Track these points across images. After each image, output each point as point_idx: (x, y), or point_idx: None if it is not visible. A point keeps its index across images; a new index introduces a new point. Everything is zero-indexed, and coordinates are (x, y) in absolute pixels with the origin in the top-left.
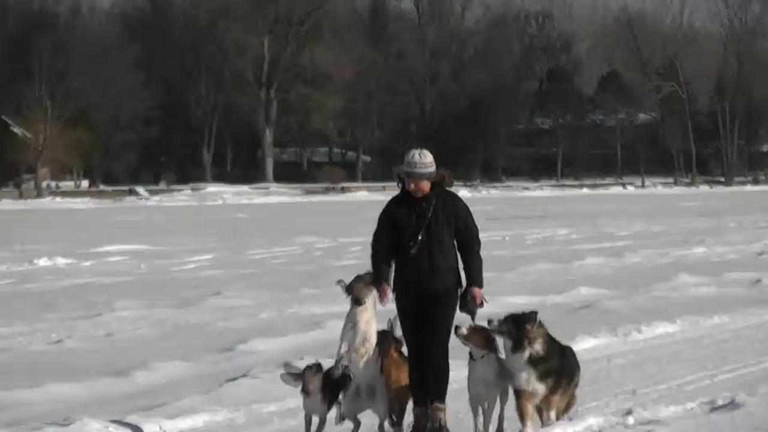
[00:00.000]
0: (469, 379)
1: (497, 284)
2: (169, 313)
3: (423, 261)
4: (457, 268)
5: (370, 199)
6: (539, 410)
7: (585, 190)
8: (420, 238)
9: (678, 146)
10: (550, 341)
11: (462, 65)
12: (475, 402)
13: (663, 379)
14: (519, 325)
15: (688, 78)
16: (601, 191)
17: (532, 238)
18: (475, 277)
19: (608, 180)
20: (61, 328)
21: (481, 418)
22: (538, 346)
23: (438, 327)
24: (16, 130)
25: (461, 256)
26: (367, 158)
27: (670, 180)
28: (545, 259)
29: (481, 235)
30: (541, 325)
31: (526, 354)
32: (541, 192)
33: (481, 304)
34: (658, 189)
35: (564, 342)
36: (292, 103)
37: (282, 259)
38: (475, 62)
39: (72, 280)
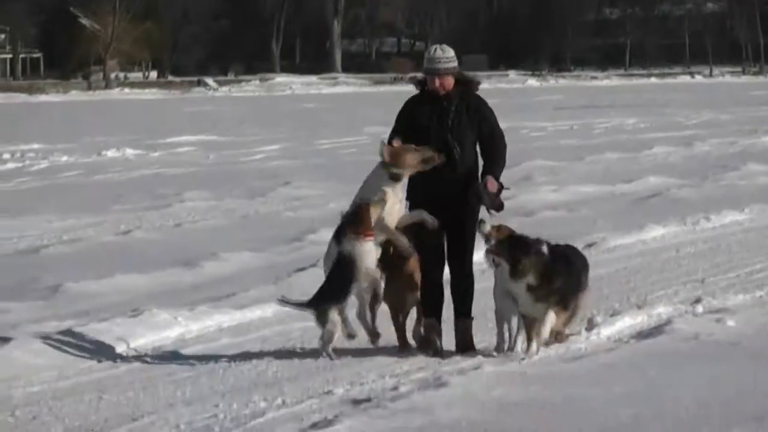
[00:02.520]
0: (495, 288)
1: (566, 174)
2: (238, 203)
3: (446, 165)
4: (477, 171)
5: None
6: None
7: (653, 80)
8: (450, 138)
9: (746, 36)
10: (552, 263)
11: None
12: (500, 316)
13: (731, 267)
14: (516, 254)
15: None
16: (668, 80)
17: (601, 128)
18: (492, 169)
19: (676, 69)
20: (129, 219)
21: (506, 334)
22: (532, 278)
23: (459, 234)
24: (85, 21)
25: (484, 159)
26: None
27: (738, 69)
28: (614, 148)
29: (549, 125)
30: (541, 253)
31: (524, 281)
32: (609, 81)
33: (498, 198)
34: (726, 78)
35: (631, 232)
36: None
37: (350, 149)
38: None
39: (140, 171)
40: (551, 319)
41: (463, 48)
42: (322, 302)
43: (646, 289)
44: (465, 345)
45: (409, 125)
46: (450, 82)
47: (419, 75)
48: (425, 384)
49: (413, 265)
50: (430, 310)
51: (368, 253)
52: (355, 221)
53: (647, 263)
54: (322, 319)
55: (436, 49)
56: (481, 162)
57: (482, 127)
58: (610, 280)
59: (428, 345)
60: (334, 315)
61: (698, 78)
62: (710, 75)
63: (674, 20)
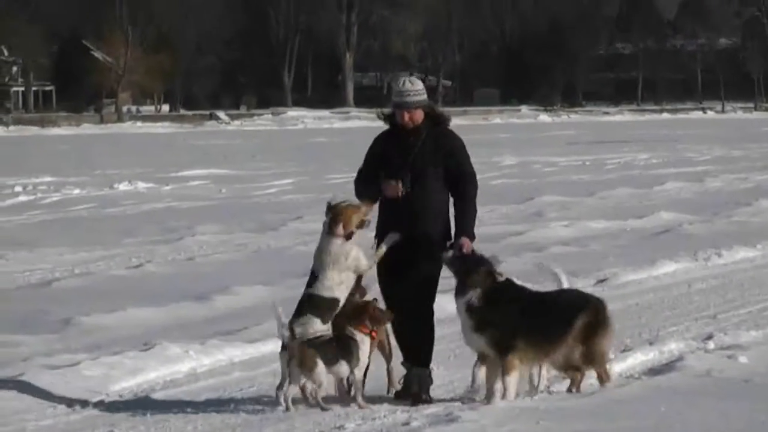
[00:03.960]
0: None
1: (577, 209)
2: (250, 237)
3: (404, 203)
4: (447, 216)
5: (451, 124)
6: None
7: (665, 115)
8: (405, 178)
9: (759, 71)
10: (496, 292)
11: None
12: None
13: (743, 303)
14: (467, 267)
15: None
16: (681, 116)
17: (613, 163)
18: (465, 226)
19: (688, 105)
20: (141, 252)
21: (482, 371)
22: (474, 295)
23: (417, 280)
24: (97, 54)
25: (453, 203)
26: (448, 83)
27: (750, 105)
28: (625, 183)
29: (561, 160)
30: (487, 275)
31: (465, 299)
32: (621, 117)
33: (447, 252)
34: (738, 114)
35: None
36: (373, 26)
37: None
38: None
39: (152, 205)
40: (512, 366)
41: (476, 82)
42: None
43: (658, 325)
44: (417, 398)
45: (377, 162)
46: (419, 115)
47: (386, 110)
48: (437, 419)
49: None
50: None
51: (366, 344)
52: (357, 316)
53: (659, 299)
54: (307, 364)
55: (405, 82)
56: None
57: (448, 163)
58: (622, 316)
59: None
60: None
61: (710, 113)
62: (722, 110)
63: (686, 55)
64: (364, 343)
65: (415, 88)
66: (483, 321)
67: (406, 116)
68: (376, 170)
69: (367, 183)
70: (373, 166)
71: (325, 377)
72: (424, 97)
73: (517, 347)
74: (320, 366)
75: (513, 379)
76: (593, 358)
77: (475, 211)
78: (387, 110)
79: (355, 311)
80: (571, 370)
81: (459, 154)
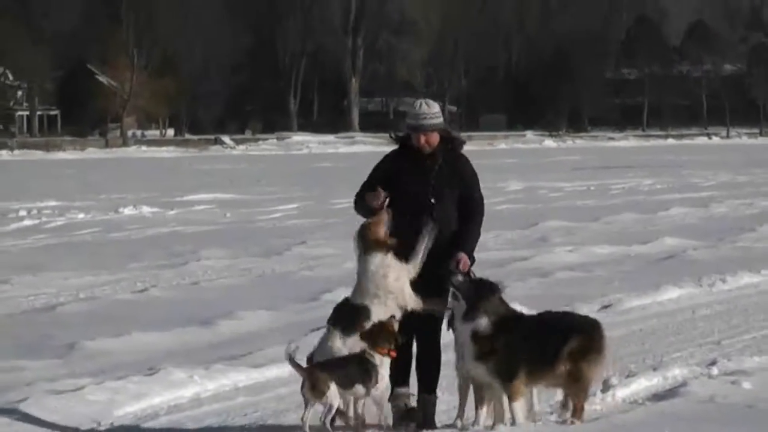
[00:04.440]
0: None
1: (582, 234)
2: (255, 262)
3: (427, 222)
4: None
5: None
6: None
7: (670, 141)
8: (430, 199)
9: (764, 97)
10: (506, 319)
11: (549, 12)
12: (462, 383)
13: (748, 329)
14: (478, 292)
15: None
16: (686, 141)
17: (617, 188)
18: (465, 245)
19: (694, 130)
20: (146, 276)
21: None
22: (484, 321)
23: (432, 301)
24: (102, 78)
25: (459, 225)
26: (453, 108)
27: (756, 131)
28: (630, 209)
29: (567, 185)
30: (498, 302)
31: (472, 325)
32: (626, 142)
33: (456, 275)
34: (743, 140)
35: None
36: (379, 52)
37: None
38: (562, 10)
39: (157, 229)
40: (518, 392)
41: (482, 108)
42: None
43: (662, 351)
44: (426, 423)
45: (385, 181)
46: (436, 138)
47: (399, 132)
48: None
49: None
50: (399, 378)
51: (386, 365)
52: (374, 336)
53: (663, 325)
54: (319, 388)
55: (422, 104)
56: None
57: (462, 188)
58: (626, 342)
59: (406, 417)
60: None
61: (715, 139)
62: (727, 136)
63: (692, 81)
64: (383, 365)
65: (432, 110)
66: (488, 349)
67: (423, 139)
68: (382, 183)
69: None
70: (380, 179)
71: (337, 401)
72: (441, 120)
73: (521, 373)
74: (332, 390)
75: (520, 404)
76: (574, 385)
77: (479, 235)
78: (401, 133)
79: (372, 331)
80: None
81: (472, 179)
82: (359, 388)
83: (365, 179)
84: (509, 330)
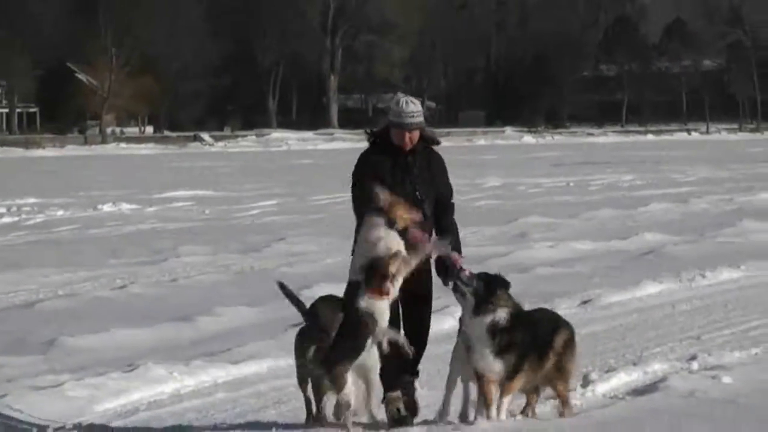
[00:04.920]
0: (455, 346)
1: (561, 230)
2: (234, 258)
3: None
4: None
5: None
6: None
7: (650, 137)
8: (418, 195)
9: (743, 93)
10: (519, 314)
11: (528, 12)
12: (451, 376)
13: (727, 324)
14: (490, 286)
15: (754, 25)
16: (665, 137)
17: (597, 184)
18: (455, 240)
19: (673, 126)
20: (125, 273)
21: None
22: (503, 314)
23: (419, 296)
24: (82, 76)
25: (438, 219)
26: (432, 104)
27: (735, 126)
28: (610, 204)
29: (546, 181)
30: (510, 297)
31: (489, 319)
32: (605, 138)
33: (463, 271)
34: (722, 135)
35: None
36: (357, 51)
37: (346, 205)
38: (540, 9)
39: (136, 226)
40: (513, 389)
41: (461, 104)
42: (338, 361)
43: (642, 346)
44: (407, 405)
45: (375, 179)
46: (416, 136)
47: (372, 129)
48: None
49: None
50: (390, 382)
51: (385, 312)
52: (372, 280)
53: (643, 320)
54: (337, 382)
55: (408, 103)
56: None
57: (439, 185)
58: (606, 337)
59: (400, 421)
60: (349, 377)
61: (695, 135)
62: (707, 132)
63: (671, 77)
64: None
65: (416, 109)
66: (506, 344)
67: (407, 137)
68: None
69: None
70: (374, 179)
71: (353, 396)
72: (423, 118)
73: (524, 369)
74: (350, 384)
75: (509, 400)
76: (564, 375)
77: (457, 228)
78: (377, 129)
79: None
80: (531, 392)
81: (446, 174)
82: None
83: (357, 189)
84: (523, 324)
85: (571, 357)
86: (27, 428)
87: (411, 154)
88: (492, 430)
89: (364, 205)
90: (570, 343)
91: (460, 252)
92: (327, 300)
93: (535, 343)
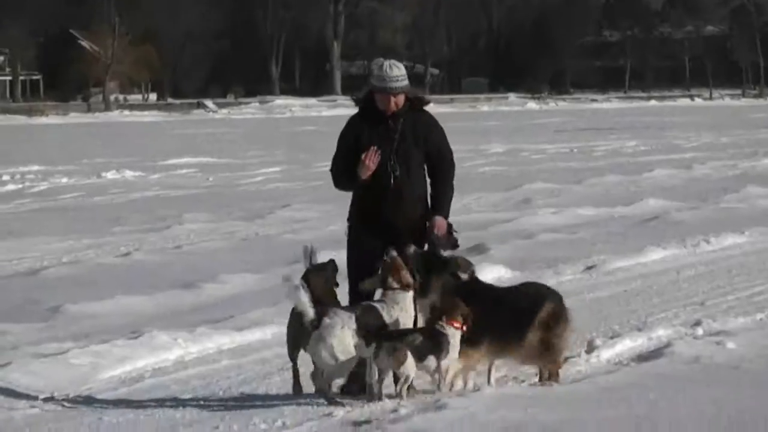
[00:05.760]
0: None
1: (565, 196)
2: (238, 225)
3: (387, 187)
4: (426, 198)
5: (437, 111)
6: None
7: (653, 102)
8: (392, 163)
9: (746, 58)
10: (468, 292)
11: None
12: None
13: (732, 290)
14: (430, 269)
15: None
16: (668, 103)
17: (601, 150)
18: (441, 206)
19: (676, 92)
20: (129, 240)
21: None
22: (435, 297)
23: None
24: (85, 43)
25: (431, 183)
26: (435, 71)
27: (738, 92)
28: (614, 170)
29: (549, 147)
30: (454, 276)
31: (427, 301)
32: (609, 104)
33: (450, 238)
34: (725, 101)
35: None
36: (360, 17)
37: None
38: None
39: (140, 193)
40: (471, 365)
41: (464, 71)
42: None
43: (646, 312)
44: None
45: (353, 149)
46: (402, 100)
47: (357, 94)
48: (425, 406)
49: None
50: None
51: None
52: (449, 310)
53: (647, 286)
54: (399, 358)
55: (391, 67)
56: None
57: (428, 146)
58: (610, 303)
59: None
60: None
61: (698, 101)
62: (710, 97)
63: (674, 43)
64: (455, 337)
65: (400, 72)
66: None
67: (392, 101)
68: (355, 153)
69: (343, 170)
70: (350, 154)
71: (413, 371)
72: (407, 81)
73: (481, 345)
74: (410, 360)
75: (453, 374)
76: (546, 354)
77: (453, 192)
78: (362, 94)
79: (448, 305)
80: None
81: (439, 136)
82: (431, 361)
83: (335, 151)
84: (472, 302)
85: (558, 333)
86: (32, 395)
87: (393, 117)
88: (497, 396)
89: (338, 179)
90: (556, 318)
91: (446, 215)
92: (317, 269)
93: (505, 319)
